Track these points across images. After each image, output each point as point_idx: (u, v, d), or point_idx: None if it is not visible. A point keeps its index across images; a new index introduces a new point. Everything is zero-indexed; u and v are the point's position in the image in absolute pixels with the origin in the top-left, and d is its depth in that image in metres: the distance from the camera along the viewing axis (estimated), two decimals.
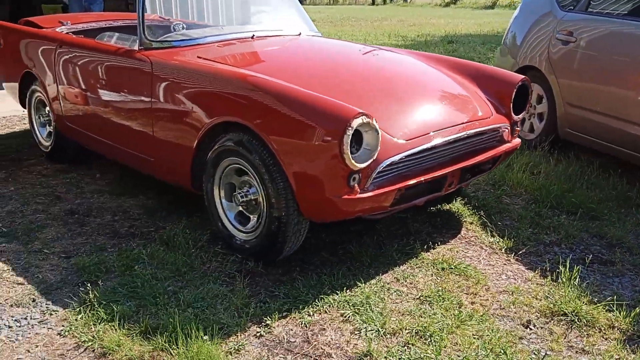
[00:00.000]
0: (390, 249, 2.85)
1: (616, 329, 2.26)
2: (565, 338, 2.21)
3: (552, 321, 2.31)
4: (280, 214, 2.49)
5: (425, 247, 2.88)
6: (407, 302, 2.43)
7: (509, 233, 3.05)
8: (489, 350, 2.10)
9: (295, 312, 2.33)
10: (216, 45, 3.23)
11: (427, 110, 2.78)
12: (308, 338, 2.19)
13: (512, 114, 3.01)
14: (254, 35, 3.38)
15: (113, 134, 3.33)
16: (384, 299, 2.44)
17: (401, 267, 2.70)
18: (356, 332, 2.22)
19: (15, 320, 2.29)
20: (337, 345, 2.15)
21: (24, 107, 4.22)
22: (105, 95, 3.30)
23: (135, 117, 3.12)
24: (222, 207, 2.79)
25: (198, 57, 2.98)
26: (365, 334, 2.20)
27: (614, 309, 2.35)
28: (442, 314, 2.33)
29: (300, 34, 3.63)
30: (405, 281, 2.59)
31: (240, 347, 2.12)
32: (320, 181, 2.36)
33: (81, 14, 5.20)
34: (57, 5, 7.64)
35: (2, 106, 5.24)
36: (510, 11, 18.61)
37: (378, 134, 2.33)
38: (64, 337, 2.19)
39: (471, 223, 3.19)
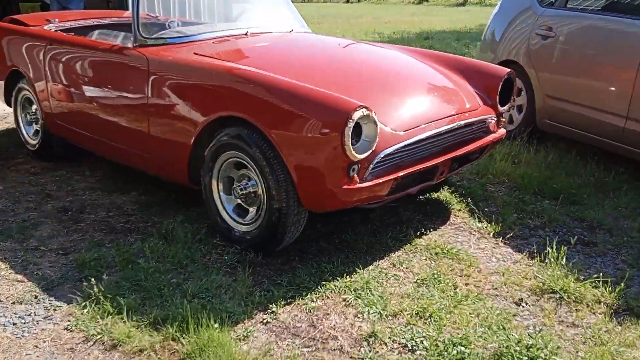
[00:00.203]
0: (385, 236, 2.94)
1: (602, 303, 2.40)
2: (555, 314, 2.34)
3: (543, 298, 2.45)
4: (281, 205, 2.55)
5: (417, 233, 2.99)
6: (405, 285, 2.53)
7: (495, 218, 3.18)
8: (486, 327, 2.21)
9: (299, 299, 2.40)
10: (211, 41, 3.27)
11: (420, 102, 2.88)
12: (313, 323, 2.27)
13: (498, 105, 3.14)
14: (247, 32, 3.43)
15: (106, 131, 3.34)
16: (383, 284, 2.53)
17: (396, 253, 2.80)
18: (359, 315, 2.31)
19: (19, 317, 2.30)
20: (342, 328, 2.24)
21: (9, 105, 4.18)
22: (99, 92, 3.31)
23: (130, 114, 3.14)
24: (220, 200, 2.84)
25: (194, 53, 3.02)
26: (368, 317, 2.29)
27: (600, 285, 2.50)
28: (439, 295, 2.44)
29: (292, 31, 3.70)
30: (402, 266, 2.69)
31: (248, 333, 2.19)
32: (321, 172, 2.44)
33: (67, 12, 5.15)
34: (36, 3, 7.52)
35: None
36: (481, 9, 18.96)
37: (377, 125, 2.42)
38: (71, 331, 2.21)
39: (459, 210, 3.32)
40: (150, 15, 3.85)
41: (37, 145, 3.96)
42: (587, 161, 3.94)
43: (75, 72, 3.45)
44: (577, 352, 2.12)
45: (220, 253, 2.76)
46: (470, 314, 2.31)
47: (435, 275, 2.59)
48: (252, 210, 2.76)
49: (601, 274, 2.56)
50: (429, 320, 2.26)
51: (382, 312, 2.32)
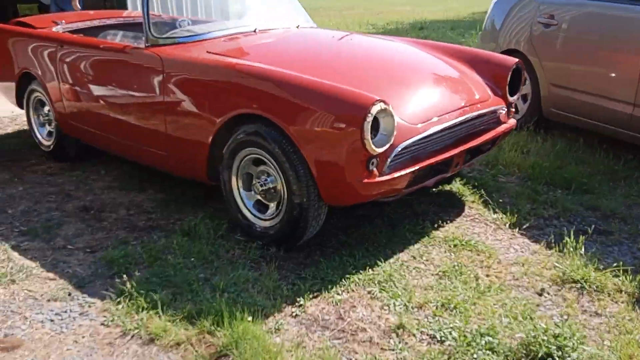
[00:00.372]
0: (402, 229, 3.00)
1: (624, 292, 2.46)
2: (578, 303, 2.40)
3: (564, 288, 2.50)
4: (302, 200, 2.60)
5: (435, 225, 3.04)
6: (427, 277, 2.59)
7: (510, 209, 3.23)
8: (512, 318, 2.27)
9: (325, 292, 2.46)
10: (222, 39, 3.30)
11: (433, 94, 2.93)
12: (341, 315, 2.33)
13: (508, 95, 3.18)
14: (256, 29, 3.46)
15: (123, 131, 3.37)
16: (405, 276, 2.59)
17: (415, 245, 2.86)
18: (385, 308, 2.37)
19: (56, 314, 2.35)
20: (370, 320, 2.29)
21: (20, 107, 4.20)
22: (113, 92, 3.34)
23: (146, 113, 3.17)
24: (240, 197, 2.89)
25: (207, 51, 3.05)
26: (394, 309, 2.35)
27: (620, 274, 2.55)
28: (461, 287, 2.49)
29: (298, 26, 3.72)
30: (422, 258, 2.74)
31: (279, 326, 2.24)
32: (341, 166, 2.48)
33: (72, 13, 5.16)
34: (33, 4, 7.49)
35: None
36: None
37: (394, 119, 2.46)
38: (107, 326, 2.27)
39: (473, 202, 3.37)
40: (155, 14, 3.87)
41: (51, 146, 3.99)
42: (596, 149, 4.00)
43: (89, 73, 3.47)
44: (603, 340, 2.18)
45: (242, 248, 2.80)
46: (494, 304, 2.37)
47: (456, 267, 2.64)
48: (272, 205, 2.80)
49: (620, 263, 2.62)
50: (455, 311, 2.32)
51: (407, 304, 2.37)
